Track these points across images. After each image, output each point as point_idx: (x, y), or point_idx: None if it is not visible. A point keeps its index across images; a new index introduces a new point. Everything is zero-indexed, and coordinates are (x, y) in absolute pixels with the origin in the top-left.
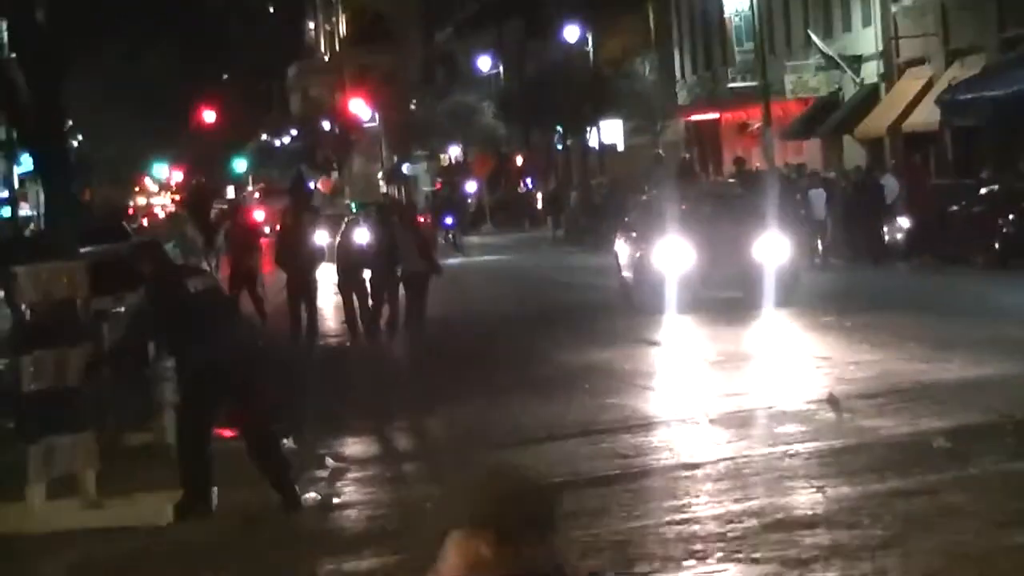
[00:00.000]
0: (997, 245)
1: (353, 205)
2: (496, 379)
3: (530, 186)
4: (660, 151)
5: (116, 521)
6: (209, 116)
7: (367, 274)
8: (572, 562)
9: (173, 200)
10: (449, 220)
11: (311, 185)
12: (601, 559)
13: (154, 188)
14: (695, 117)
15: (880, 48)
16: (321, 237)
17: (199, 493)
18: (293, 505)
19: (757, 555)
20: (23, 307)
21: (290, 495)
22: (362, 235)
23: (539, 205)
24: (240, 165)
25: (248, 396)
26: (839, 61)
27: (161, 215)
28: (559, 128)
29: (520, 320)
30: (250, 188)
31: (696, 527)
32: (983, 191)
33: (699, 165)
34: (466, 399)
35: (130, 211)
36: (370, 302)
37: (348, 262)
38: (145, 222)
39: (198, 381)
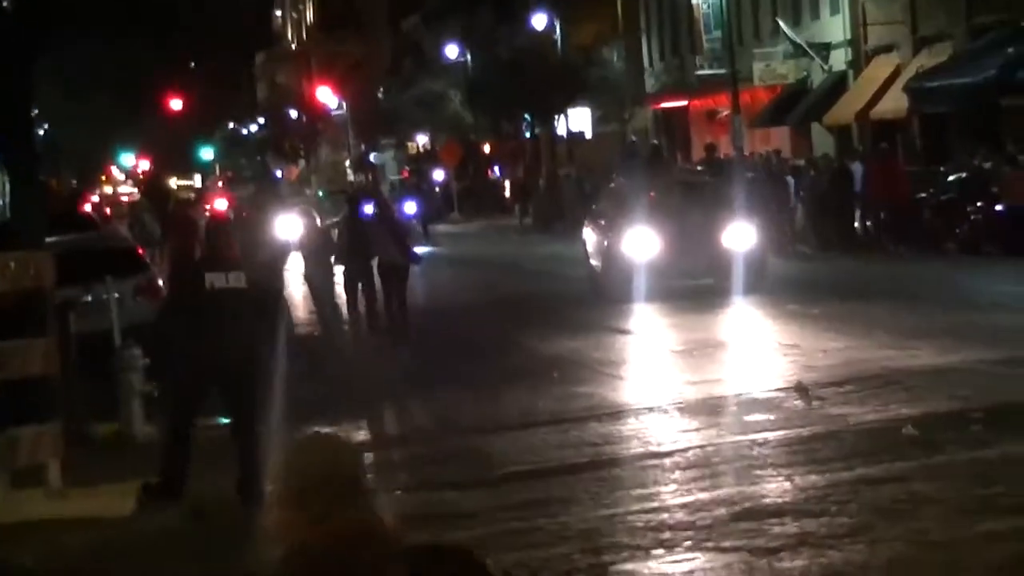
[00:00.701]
0: (967, 232)
1: (320, 193)
2: (466, 368)
3: (498, 174)
4: (633, 138)
5: (81, 512)
6: (176, 104)
7: (339, 267)
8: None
9: (140, 189)
10: (411, 208)
11: (278, 174)
12: (569, 547)
13: (121, 177)
14: (664, 105)
15: (848, 36)
16: (290, 225)
17: (171, 481)
18: (255, 497)
19: (726, 544)
20: None
21: (254, 486)
22: (332, 224)
23: (507, 193)
24: (207, 154)
25: (240, 393)
26: (807, 48)
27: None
28: (528, 116)
29: (489, 309)
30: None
31: (665, 515)
32: (951, 178)
33: (668, 153)
34: (437, 388)
35: (92, 199)
36: (340, 294)
37: (322, 253)
38: (108, 211)
39: (195, 374)
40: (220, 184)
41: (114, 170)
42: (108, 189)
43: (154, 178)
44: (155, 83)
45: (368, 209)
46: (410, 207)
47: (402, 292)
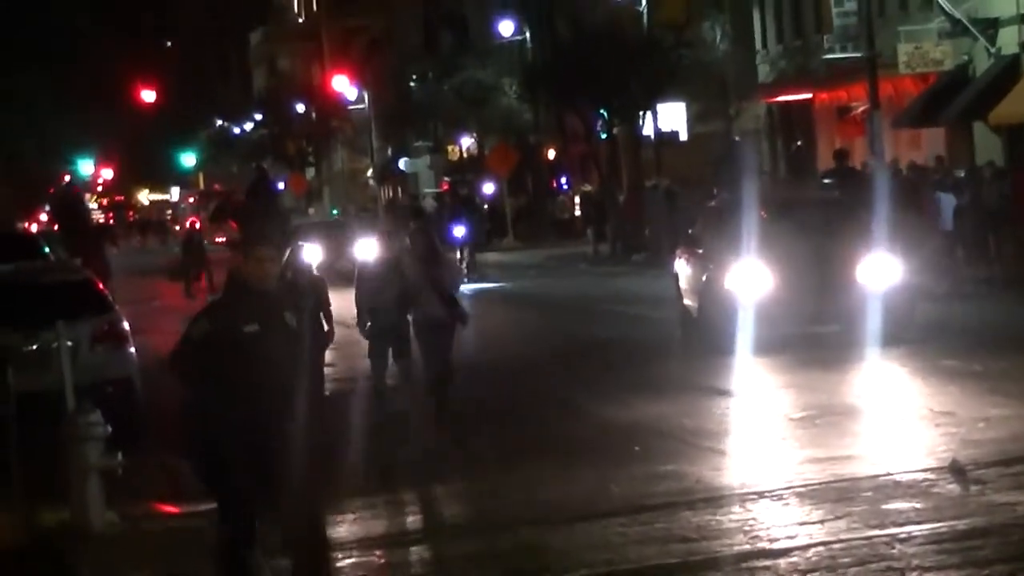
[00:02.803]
0: None
1: (335, 211)
2: (521, 440)
3: (565, 187)
4: (737, 138)
5: None
6: (148, 96)
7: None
8: None
9: (100, 204)
10: (460, 232)
11: (279, 185)
12: None
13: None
14: (781, 98)
15: (1023, 9)
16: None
17: None
18: None
19: None
20: None
21: None
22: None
23: (576, 212)
24: (188, 159)
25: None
26: (968, 26)
27: None
28: (603, 112)
29: (551, 363)
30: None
31: None
32: None
33: (787, 160)
34: (484, 466)
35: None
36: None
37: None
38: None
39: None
40: (192, 201)
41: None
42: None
43: (64, 195)
44: (120, 68)
45: (460, 232)
46: (459, 231)
47: (445, 356)
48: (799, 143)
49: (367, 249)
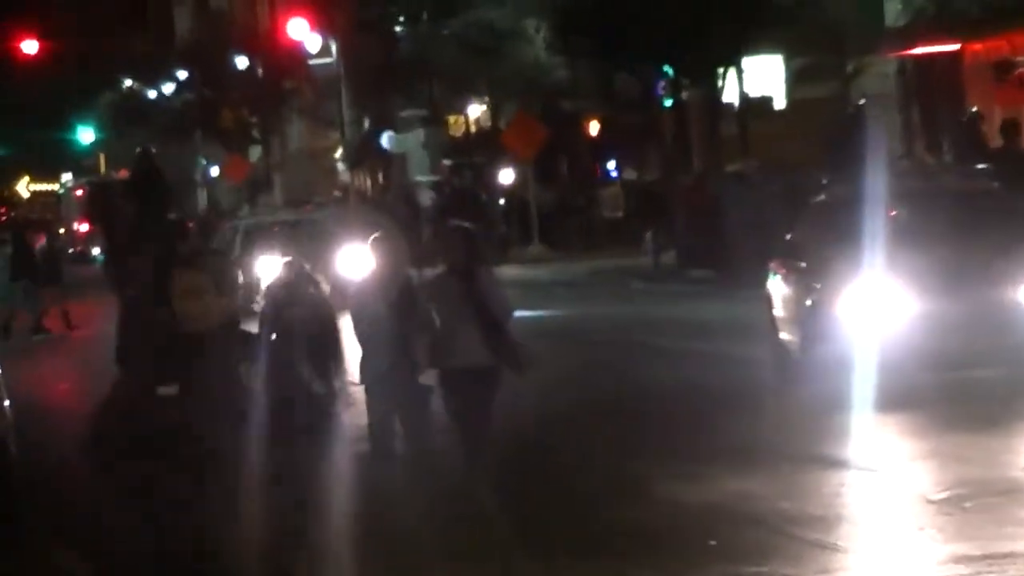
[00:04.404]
0: None
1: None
2: (556, 531)
3: (613, 174)
4: (862, 101)
5: None
6: (28, 47)
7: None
8: None
9: None
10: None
11: (212, 171)
12: None
13: None
14: (917, 50)
15: None
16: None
17: None
18: None
19: None
20: None
21: None
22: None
23: (627, 211)
24: (84, 135)
25: None
26: None
27: None
28: (668, 70)
29: (596, 423)
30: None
31: None
32: None
33: (923, 131)
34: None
35: None
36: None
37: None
38: None
39: None
40: (79, 194)
41: None
42: None
43: None
44: None
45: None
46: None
47: (484, 419)
48: (975, 110)
49: (357, 258)
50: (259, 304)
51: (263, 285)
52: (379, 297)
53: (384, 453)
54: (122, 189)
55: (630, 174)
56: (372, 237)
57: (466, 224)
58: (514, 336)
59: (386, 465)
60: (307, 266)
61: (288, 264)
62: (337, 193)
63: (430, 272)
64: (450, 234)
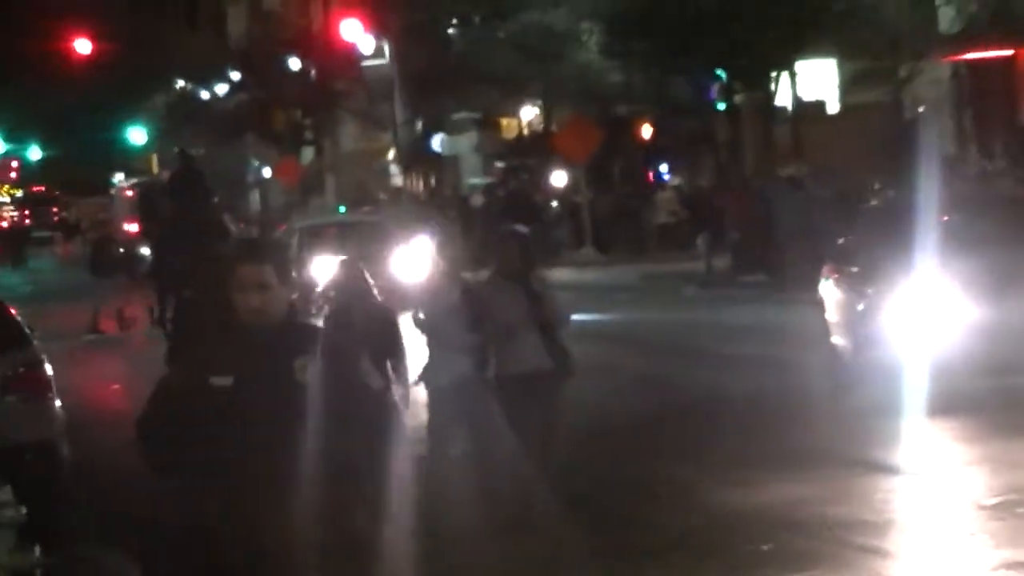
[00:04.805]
0: None
1: (341, 209)
2: (609, 535)
3: (666, 177)
4: (922, 108)
5: None
6: (82, 47)
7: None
8: None
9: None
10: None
11: (265, 172)
12: None
13: None
14: (971, 55)
15: None
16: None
17: None
18: None
19: None
20: None
21: None
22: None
23: (680, 214)
24: (136, 135)
25: None
26: None
27: None
28: (721, 73)
29: (649, 428)
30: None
31: None
32: None
33: (975, 138)
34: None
35: None
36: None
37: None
38: None
39: None
40: (128, 195)
41: None
42: None
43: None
44: (44, 8)
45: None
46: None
47: (551, 425)
48: None
49: (413, 260)
50: (316, 304)
51: (319, 286)
52: (445, 302)
53: (442, 456)
54: (161, 190)
55: (682, 178)
56: (432, 242)
57: (521, 228)
58: (563, 341)
59: (442, 468)
60: (363, 267)
61: (344, 264)
62: (382, 196)
63: (483, 275)
64: (505, 238)
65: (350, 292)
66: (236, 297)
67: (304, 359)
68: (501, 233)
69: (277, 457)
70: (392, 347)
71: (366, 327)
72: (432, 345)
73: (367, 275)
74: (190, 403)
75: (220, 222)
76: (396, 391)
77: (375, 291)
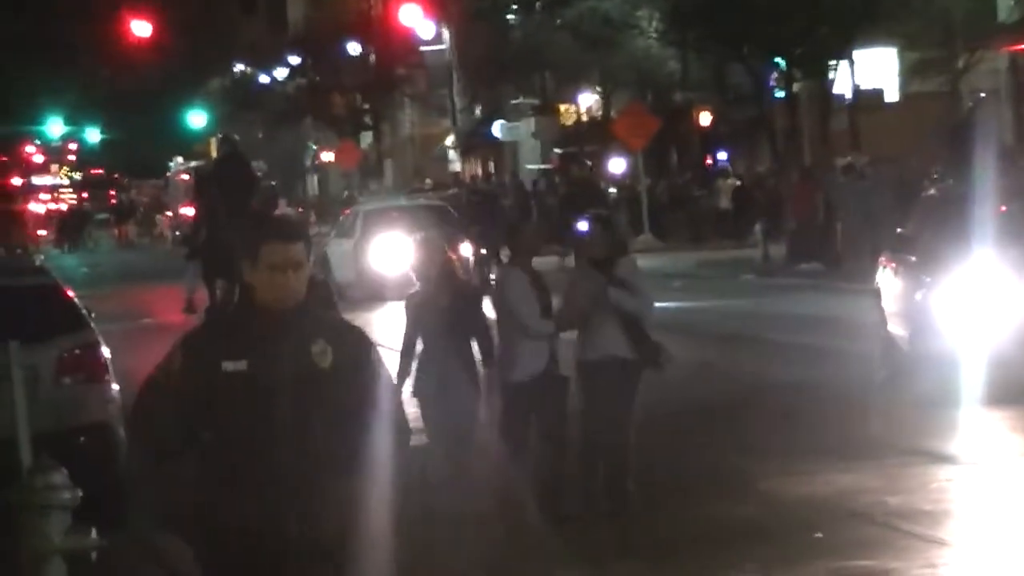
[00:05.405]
0: None
1: (403, 201)
2: (663, 522)
3: (724, 164)
4: (983, 94)
5: None
6: (141, 29)
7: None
8: None
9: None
10: (584, 228)
11: (327, 156)
12: None
13: (40, 159)
14: None
15: None
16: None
17: None
18: None
19: None
20: None
21: None
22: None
23: (734, 201)
24: (196, 119)
25: None
26: None
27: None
28: (780, 62)
29: (703, 416)
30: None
31: None
32: None
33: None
34: (607, 560)
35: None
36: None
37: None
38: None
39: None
40: (184, 178)
41: (31, 148)
42: (17, 181)
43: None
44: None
45: (584, 228)
46: (583, 227)
47: (624, 416)
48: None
49: (475, 246)
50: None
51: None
52: (514, 287)
53: (516, 451)
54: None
55: (740, 166)
56: (509, 229)
57: (605, 213)
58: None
59: (516, 462)
60: (445, 244)
61: (425, 241)
62: (428, 181)
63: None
64: (595, 225)
65: (434, 270)
66: (263, 276)
67: (323, 343)
68: (588, 220)
69: (299, 443)
70: (479, 327)
71: (452, 306)
72: (505, 333)
73: (451, 252)
74: (192, 392)
75: (256, 209)
76: (484, 373)
77: (459, 268)
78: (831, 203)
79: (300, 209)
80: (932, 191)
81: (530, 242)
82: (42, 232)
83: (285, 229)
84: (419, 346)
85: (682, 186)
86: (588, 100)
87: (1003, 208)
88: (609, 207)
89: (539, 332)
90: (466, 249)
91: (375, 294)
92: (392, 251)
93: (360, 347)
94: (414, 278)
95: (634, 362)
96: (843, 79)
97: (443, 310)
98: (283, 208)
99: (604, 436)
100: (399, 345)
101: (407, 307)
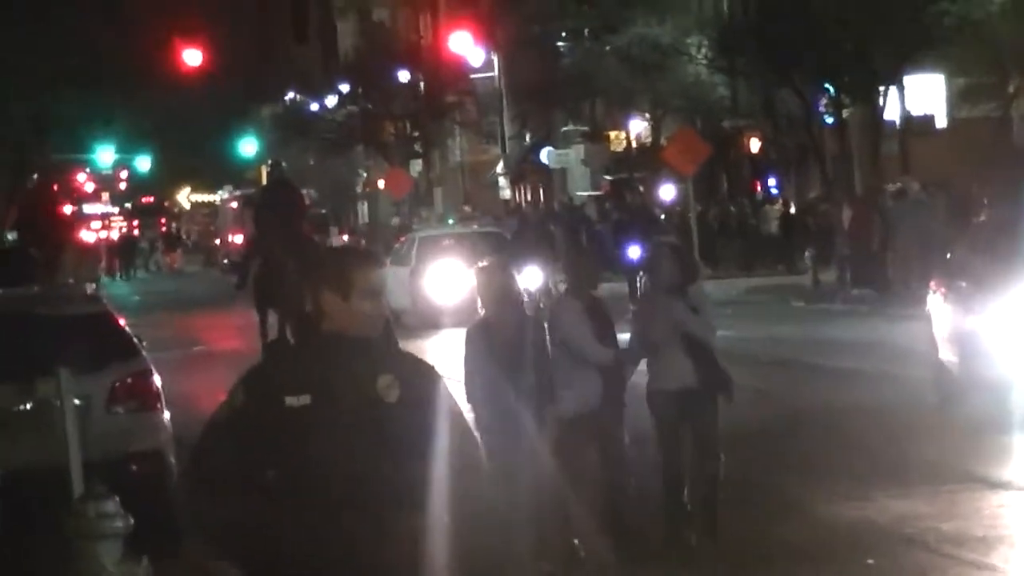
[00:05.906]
0: None
1: (450, 220)
2: (720, 548)
3: (775, 191)
4: None
5: None
6: (192, 58)
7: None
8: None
9: (122, 211)
10: (635, 254)
11: (379, 184)
12: None
13: (91, 188)
14: None
15: None
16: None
17: None
18: None
19: None
20: None
21: None
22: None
23: (785, 226)
24: (247, 146)
25: None
26: None
27: (90, 237)
28: (829, 87)
29: (755, 441)
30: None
31: None
32: None
33: None
34: None
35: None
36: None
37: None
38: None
39: None
40: (233, 206)
41: (82, 177)
42: (68, 209)
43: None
44: (154, 20)
45: (635, 254)
46: (634, 252)
47: (714, 445)
48: None
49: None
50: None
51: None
52: (569, 314)
53: (578, 481)
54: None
55: (789, 192)
56: (568, 259)
57: (675, 240)
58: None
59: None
60: (510, 270)
61: (489, 269)
62: (466, 208)
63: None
64: (659, 251)
65: (500, 298)
66: (350, 303)
67: (390, 378)
68: (659, 247)
69: (362, 478)
70: (541, 357)
71: (518, 336)
72: (557, 364)
73: (515, 280)
74: (255, 429)
75: (308, 236)
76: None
77: (523, 297)
78: (881, 228)
79: (351, 236)
80: (983, 216)
81: (590, 273)
82: (95, 260)
83: (372, 255)
84: (479, 375)
85: (735, 212)
86: (638, 127)
87: None
88: (666, 233)
89: (598, 359)
90: (526, 277)
91: (430, 321)
92: (447, 278)
93: (428, 382)
94: (479, 305)
95: (702, 392)
96: (893, 105)
97: (508, 339)
98: (335, 236)
99: (697, 466)
100: (458, 374)
101: (469, 335)
